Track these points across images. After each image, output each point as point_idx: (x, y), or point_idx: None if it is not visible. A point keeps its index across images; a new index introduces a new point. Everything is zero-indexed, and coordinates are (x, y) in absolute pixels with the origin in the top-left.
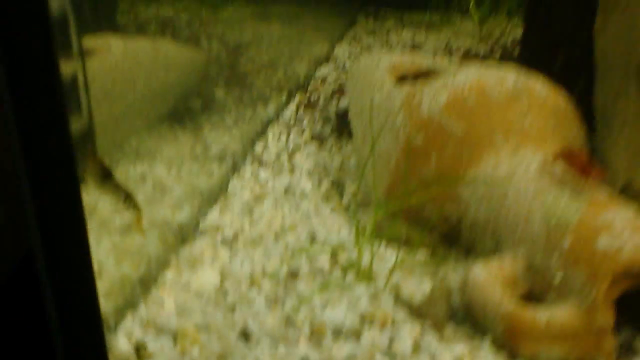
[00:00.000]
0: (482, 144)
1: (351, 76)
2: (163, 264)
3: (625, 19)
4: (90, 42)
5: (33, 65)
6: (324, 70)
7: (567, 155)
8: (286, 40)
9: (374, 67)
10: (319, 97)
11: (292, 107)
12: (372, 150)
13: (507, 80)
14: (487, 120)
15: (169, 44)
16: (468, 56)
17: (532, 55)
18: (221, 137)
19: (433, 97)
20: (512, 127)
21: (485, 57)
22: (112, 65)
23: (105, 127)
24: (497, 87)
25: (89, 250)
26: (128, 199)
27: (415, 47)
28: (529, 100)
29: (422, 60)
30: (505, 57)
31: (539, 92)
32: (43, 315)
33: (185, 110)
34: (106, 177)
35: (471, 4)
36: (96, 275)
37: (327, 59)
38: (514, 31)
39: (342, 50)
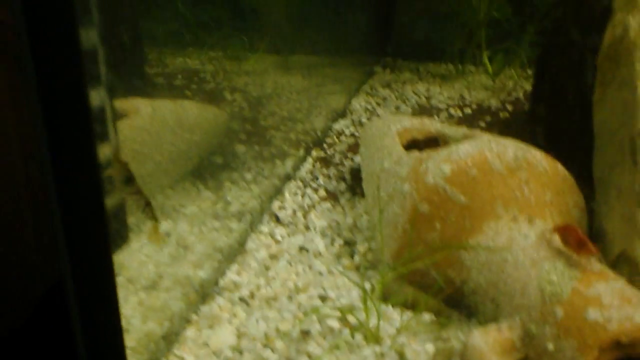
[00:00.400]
0: (483, 213)
1: (364, 138)
2: (185, 321)
3: (620, 93)
4: (121, 104)
5: (71, 127)
6: (340, 124)
7: (563, 230)
8: (305, 92)
9: (385, 130)
10: (334, 153)
11: (308, 162)
12: (380, 217)
13: (507, 152)
14: (489, 191)
15: (193, 105)
16: (480, 111)
17: (541, 111)
18: (241, 194)
19: (438, 167)
20: (512, 197)
21: (497, 112)
22: (140, 127)
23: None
24: (498, 158)
25: (114, 282)
26: (148, 207)
27: (429, 98)
28: (529, 171)
29: (431, 125)
30: (517, 111)
31: (538, 163)
32: (70, 342)
33: (207, 166)
34: (129, 181)
35: (484, 57)
36: (123, 330)
37: (343, 112)
38: (526, 83)
39: (358, 103)
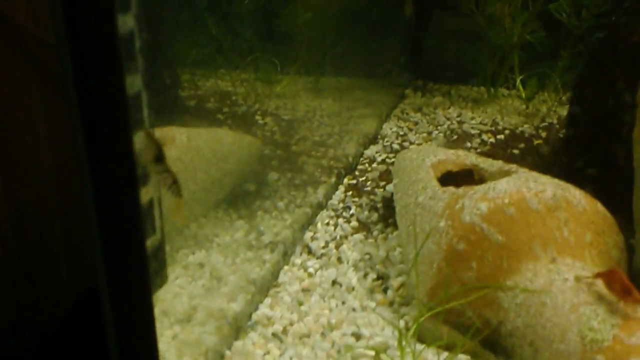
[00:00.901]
0: (521, 253)
1: (397, 169)
2: (219, 357)
3: None
4: (157, 133)
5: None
6: (372, 150)
7: (608, 275)
8: (336, 116)
9: (419, 162)
10: (366, 180)
11: (340, 190)
12: (415, 254)
13: (546, 190)
14: (527, 230)
15: (227, 133)
16: (514, 138)
17: (577, 139)
18: (273, 224)
19: (475, 204)
20: (551, 237)
21: (530, 139)
22: (176, 157)
23: (168, 216)
24: (536, 197)
25: (150, 292)
26: (174, 185)
27: (462, 123)
28: (567, 211)
29: (466, 158)
30: (551, 139)
31: (577, 203)
32: (104, 350)
33: (240, 194)
34: (159, 160)
35: (517, 80)
36: None
37: (375, 137)
38: (560, 109)
39: (390, 128)
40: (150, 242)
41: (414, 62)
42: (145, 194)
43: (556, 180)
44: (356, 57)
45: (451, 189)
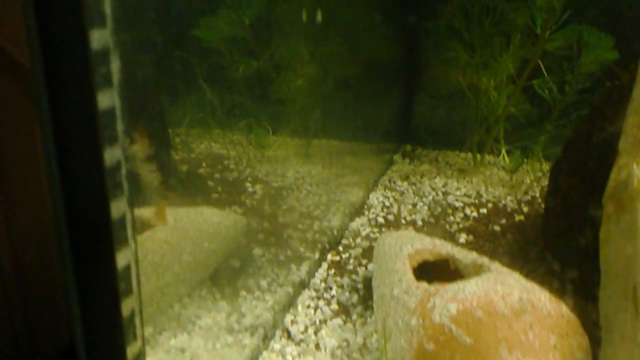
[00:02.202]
0: (488, 356)
1: (377, 255)
2: None
3: (624, 239)
4: (144, 214)
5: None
6: (357, 222)
7: None
8: (325, 184)
9: (397, 251)
10: (349, 257)
11: (323, 268)
12: (384, 348)
13: (512, 294)
14: (494, 333)
15: (213, 212)
16: (496, 212)
17: (552, 227)
18: (255, 305)
19: (445, 305)
20: (516, 340)
21: (512, 213)
22: (162, 239)
23: (152, 297)
24: (503, 300)
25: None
26: (160, 185)
27: (447, 194)
28: (533, 314)
29: (442, 247)
30: (532, 214)
31: (542, 306)
32: None
33: (224, 272)
34: (148, 159)
35: (502, 151)
36: None
37: (361, 208)
38: (544, 179)
39: (376, 198)
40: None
41: (403, 126)
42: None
43: (523, 282)
44: (347, 121)
45: (424, 285)
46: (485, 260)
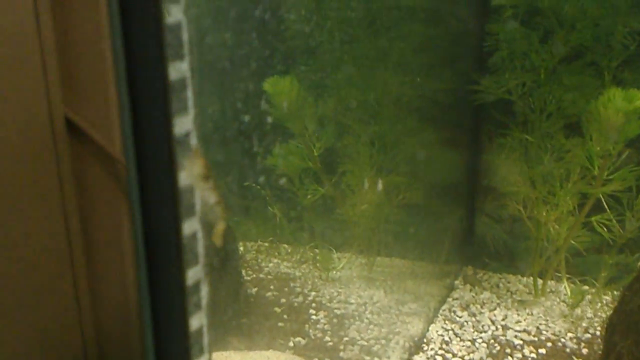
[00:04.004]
0: None
1: None
2: None
3: None
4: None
5: None
6: None
7: None
8: (385, 312)
9: None
10: None
11: None
12: None
13: None
14: None
15: (277, 355)
16: (554, 353)
17: None
18: None
19: None
20: None
21: (571, 356)
22: None
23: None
24: None
25: None
26: (217, 205)
27: (506, 329)
28: None
29: None
30: (591, 356)
31: None
32: None
33: None
34: (206, 178)
35: (565, 283)
36: None
37: (420, 342)
38: (606, 310)
39: (436, 331)
40: None
41: (465, 248)
42: None
43: None
44: (410, 241)
45: None
46: None
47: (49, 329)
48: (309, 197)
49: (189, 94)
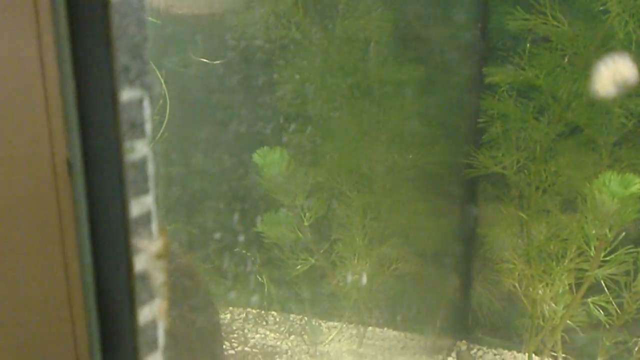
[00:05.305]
0: None
1: None
2: None
3: None
4: None
5: None
6: None
7: None
8: None
9: None
10: None
11: None
12: None
13: None
14: None
15: None
16: None
17: None
18: None
19: None
20: None
21: None
22: None
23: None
24: None
25: None
26: (164, 286)
27: None
28: None
29: None
30: None
31: None
32: None
33: None
34: (159, 257)
35: None
36: None
37: None
38: None
39: None
40: None
41: (459, 321)
42: None
43: None
44: (402, 311)
45: None
46: None
47: None
48: (298, 267)
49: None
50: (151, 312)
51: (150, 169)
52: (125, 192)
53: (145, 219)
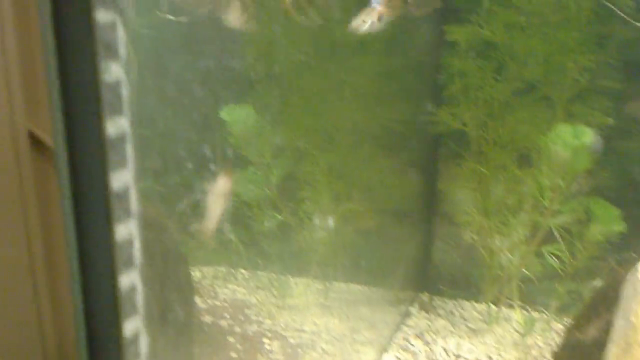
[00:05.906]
0: None
1: None
2: None
3: None
4: None
5: None
6: None
7: None
8: (339, 342)
9: None
10: None
11: None
12: None
13: None
14: None
15: None
16: None
17: None
18: None
19: None
20: None
21: None
22: None
23: None
24: None
25: None
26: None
27: (459, 357)
28: None
29: None
30: None
31: None
32: None
33: None
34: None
35: (517, 313)
36: None
37: None
38: (556, 337)
39: None
40: None
41: (421, 274)
42: None
43: None
44: (366, 266)
45: None
46: None
47: (11, 344)
48: (265, 223)
49: (129, 149)
50: (126, 229)
51: (125, 92)
52: (101, 112)
53: (120, 140)
